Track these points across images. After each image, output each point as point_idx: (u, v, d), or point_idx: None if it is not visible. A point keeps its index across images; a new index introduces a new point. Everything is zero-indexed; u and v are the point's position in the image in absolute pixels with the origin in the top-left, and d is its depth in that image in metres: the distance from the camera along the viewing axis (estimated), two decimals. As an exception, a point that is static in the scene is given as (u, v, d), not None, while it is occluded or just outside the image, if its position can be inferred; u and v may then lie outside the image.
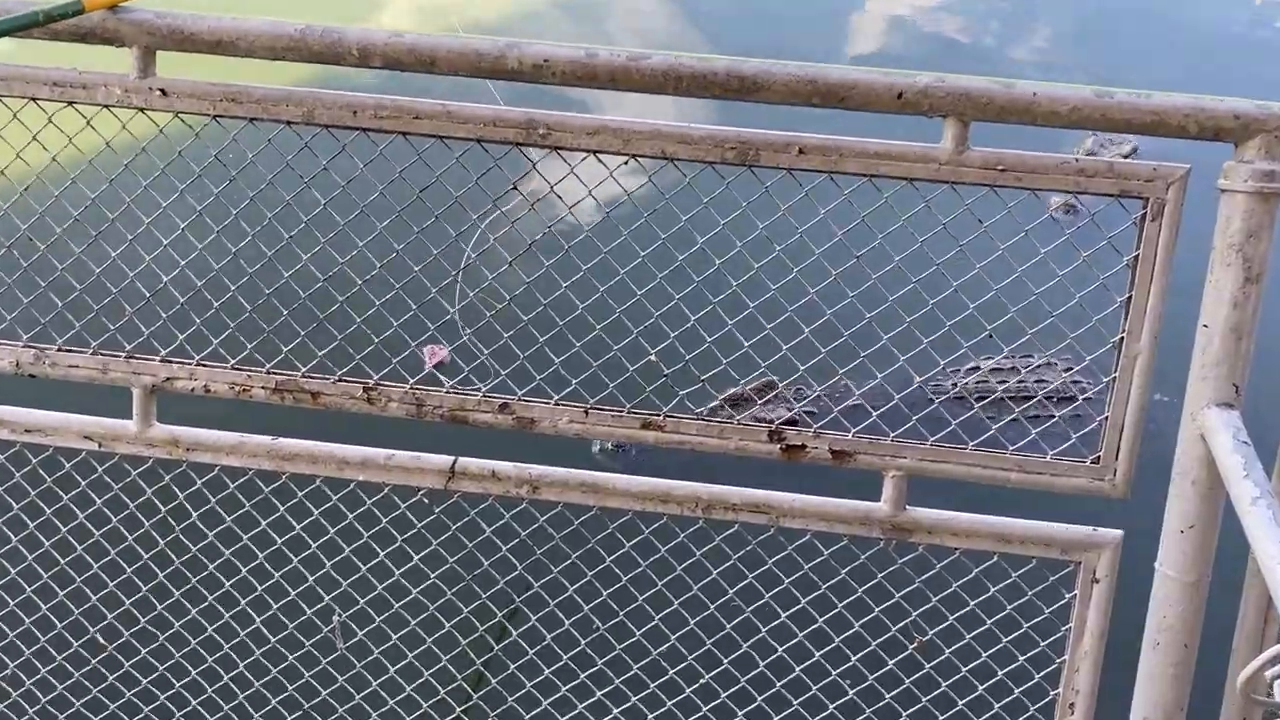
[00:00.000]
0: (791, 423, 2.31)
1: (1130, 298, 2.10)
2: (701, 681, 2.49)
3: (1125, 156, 6.99)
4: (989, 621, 2.36)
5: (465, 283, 2.33)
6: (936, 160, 2.07)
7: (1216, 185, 2.01)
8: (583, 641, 2.51)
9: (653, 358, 2.30)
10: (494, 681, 2.59)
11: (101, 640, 2.70)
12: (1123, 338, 2.11)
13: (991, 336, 2.21)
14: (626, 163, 2.15)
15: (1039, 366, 4.83)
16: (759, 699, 2.49)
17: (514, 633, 2.61)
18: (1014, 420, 2.24)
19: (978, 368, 4.32)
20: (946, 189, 2.09)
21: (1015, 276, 2.16)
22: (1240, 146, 2.00)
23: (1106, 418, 2.15)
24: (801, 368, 2.27)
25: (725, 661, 2.46)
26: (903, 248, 2.20)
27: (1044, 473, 2.20)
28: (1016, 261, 2.16)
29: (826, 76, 2.05)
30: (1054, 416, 2.22)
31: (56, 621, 2.70)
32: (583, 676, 2.53)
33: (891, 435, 2.21)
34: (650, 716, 2.55)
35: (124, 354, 2.35)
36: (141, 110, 2.21)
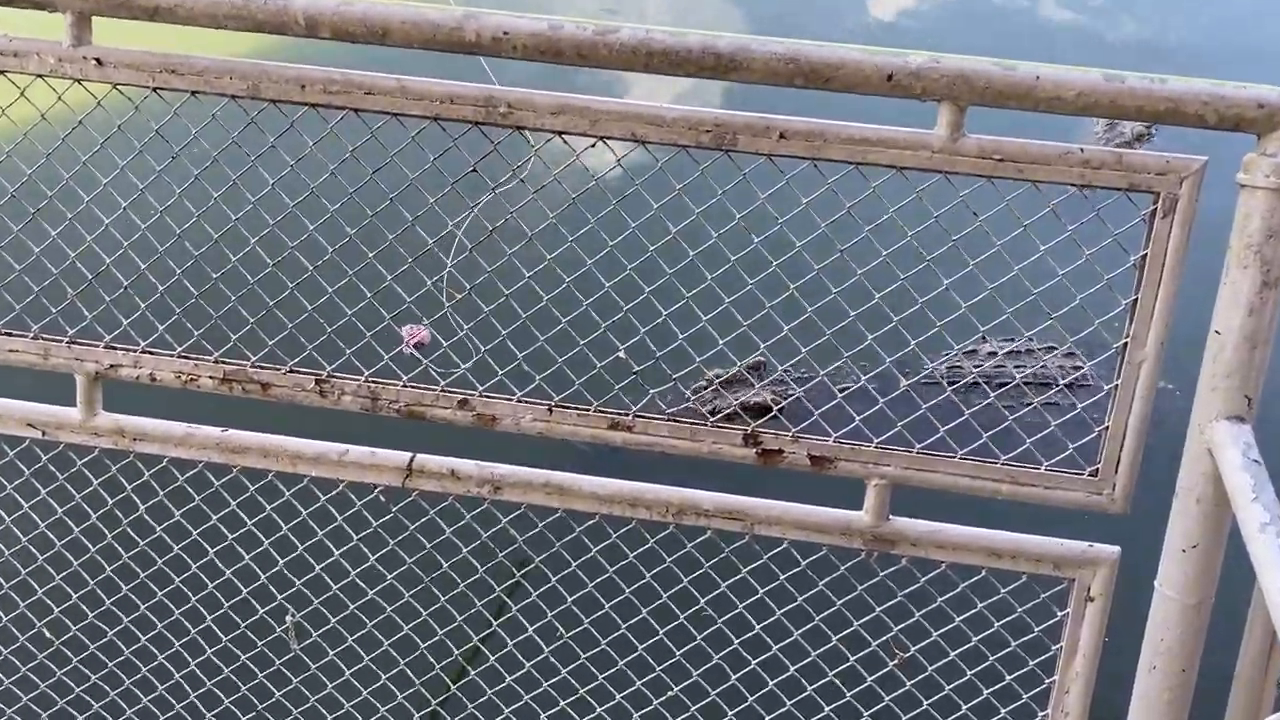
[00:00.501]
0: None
1: (1136, 300, 1.94)
2: (670, 694, 2.37)
3: (1140, 136, 6.66)
4: (975, 638, 2.22)
5: (424, 270, 2.18)
6: (929, 148, 1.91)
7: (1235, 180, 1.84)
8: (546, 649, 2.40)
9: (622, 354, 2.16)
10: (454, 688, 2.47)
11: (48, 634, 2.60)
12: (1127, 343, 1.95)
13: (985, 339, 2.05)
14: (594, 145, 1.99)
15: (1036, 352, 4.56)
16: (730, 713, 2.37)
17: (474, 638, 2.49)
18: (1008, 422, 2.09)
19: (975, 351, 4.10)
20: (941, 178, 1.93)
21: (1013, 275, 1.99)
22: (1263, 138, 1.82)
23: (1107, 428, 2.00)
24: (780, 367, 2.12)
25: (695, 674, 2.35)
26: (892, 239, 2.04)
27: (1037, 485, 2.05)
28: (1015, 257, 2.00)
29: (809, 55, 1.88)
30: (1050, 425, 2.06)
31: (1, 614, 2.60)
32: (545, 685, 2.42)
33: (875, 441, 2.07)
34: (616, 728, 2.44)
35: (65, 339, 2.23)
36: (77, 81, 2.07)
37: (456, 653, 2.59)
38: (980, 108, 1.88)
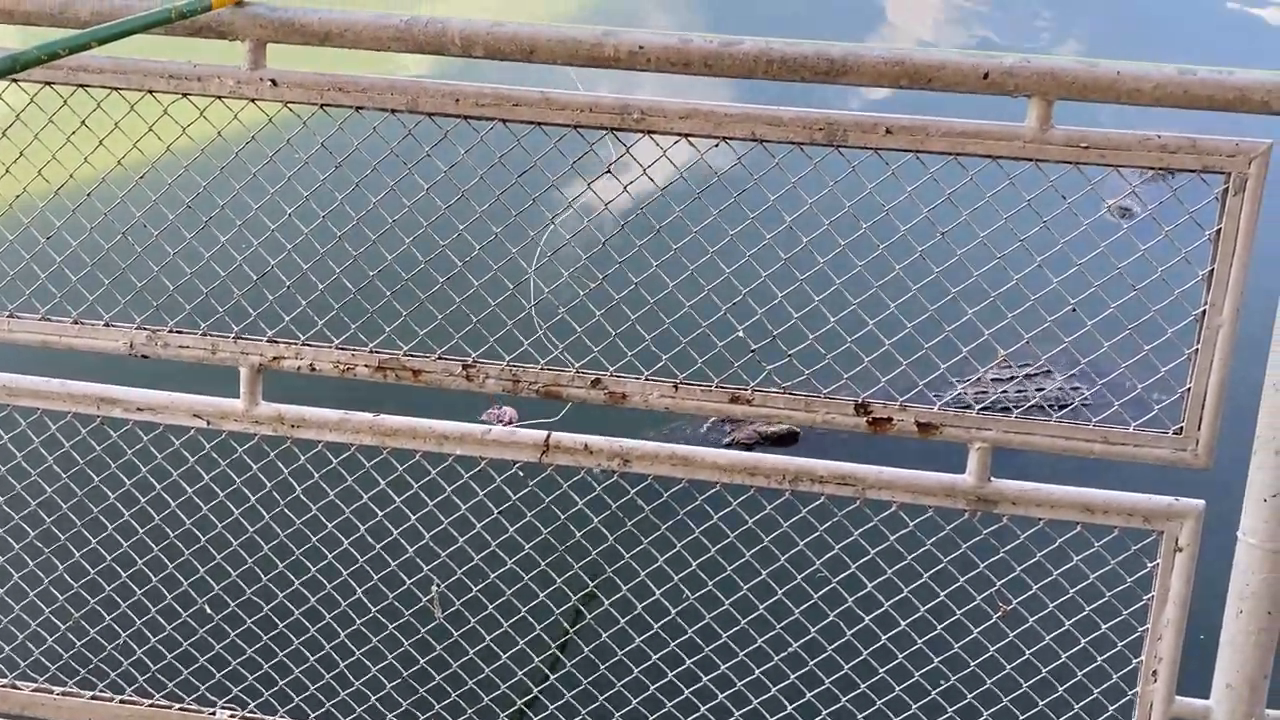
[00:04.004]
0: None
1: (1212, 271, 2.15)
2: (790, 650, 2.55)
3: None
4: (1072, 590, 2.41)
5: (559, 263, 2.42)
6: (1021, 139, 2.14)
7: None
8: (673, 611, 2.60)
9: (740, 334, 2.37)
10: (587, 649, 2.67)
11: (209, 610, 2.81)
12: (1205, 310, 2.16)
13: (1075, 310, 2.26)
14: (717, 145, 2.23)
15: (1036, 375, 4.82)
16: (845, 667, 2.55)
17: (605, 602, 2.69)
18: (1097, 386, 2.30)
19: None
20: (1030, 167, 2.16)
21: (1098, 252, 2.21)
22: (1320, 121, 2.05)
23: (1189, 389, 2.20)
24: (887, 342, 2.33)
25: (813, 630, 2.53)
26: (986, 224, 2.26)
27: (1127, 444, 2.25)
28: (1086, 243, 2.22)
29: (914, 58, 2.12)
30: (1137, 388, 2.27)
31: (166, 593, 2.81)
32: (673, 645, 2.61)
33: (976, 408, 2.28)
34: (739, 683, 2.62)
35: (232, 335, 2.46)
36: (252, 101, 2.32)
37: (589, 617, 2.79)
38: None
